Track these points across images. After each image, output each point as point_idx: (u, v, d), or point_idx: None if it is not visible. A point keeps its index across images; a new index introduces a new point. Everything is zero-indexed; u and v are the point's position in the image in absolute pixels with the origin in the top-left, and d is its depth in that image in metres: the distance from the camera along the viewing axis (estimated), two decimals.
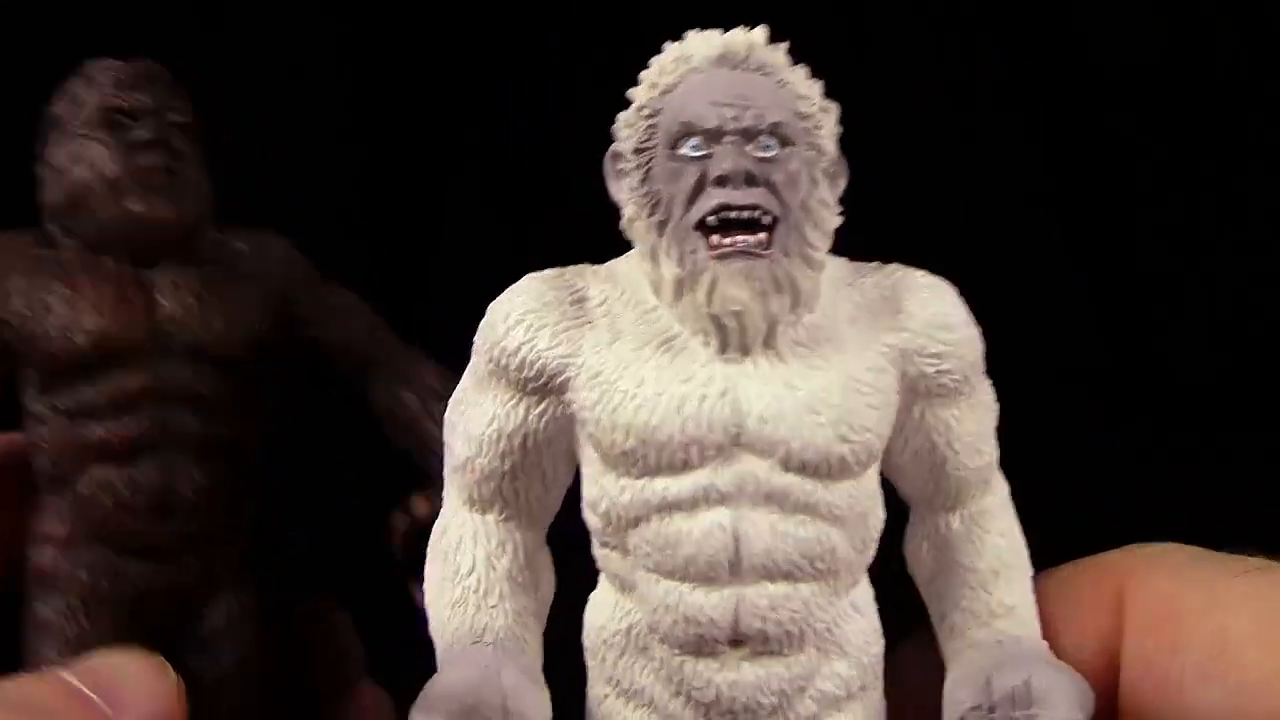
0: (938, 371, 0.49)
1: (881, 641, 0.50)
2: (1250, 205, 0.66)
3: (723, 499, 0.47)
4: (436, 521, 0.51)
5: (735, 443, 0.47)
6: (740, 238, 0.46)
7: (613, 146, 0.49)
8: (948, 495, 0.51)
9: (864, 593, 0.49)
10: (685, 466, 0.47)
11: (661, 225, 0.47)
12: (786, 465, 0.47)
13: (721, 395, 0.47)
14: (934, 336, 0.49)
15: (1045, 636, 0.50)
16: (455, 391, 0.50)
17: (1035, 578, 0.51)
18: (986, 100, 0.66)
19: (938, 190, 0.65)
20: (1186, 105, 0.66)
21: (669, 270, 0.47)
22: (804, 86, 0.48)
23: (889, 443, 0.49)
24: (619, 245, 0.50)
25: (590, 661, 0.49)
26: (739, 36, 0.48)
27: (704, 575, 0.47)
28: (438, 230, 0.67)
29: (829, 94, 0.49)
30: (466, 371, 0.50)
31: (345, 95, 0.65)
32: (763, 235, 0.46)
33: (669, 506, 0.47)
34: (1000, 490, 0.52)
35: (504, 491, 0.49)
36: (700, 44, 0.48)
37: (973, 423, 0.50)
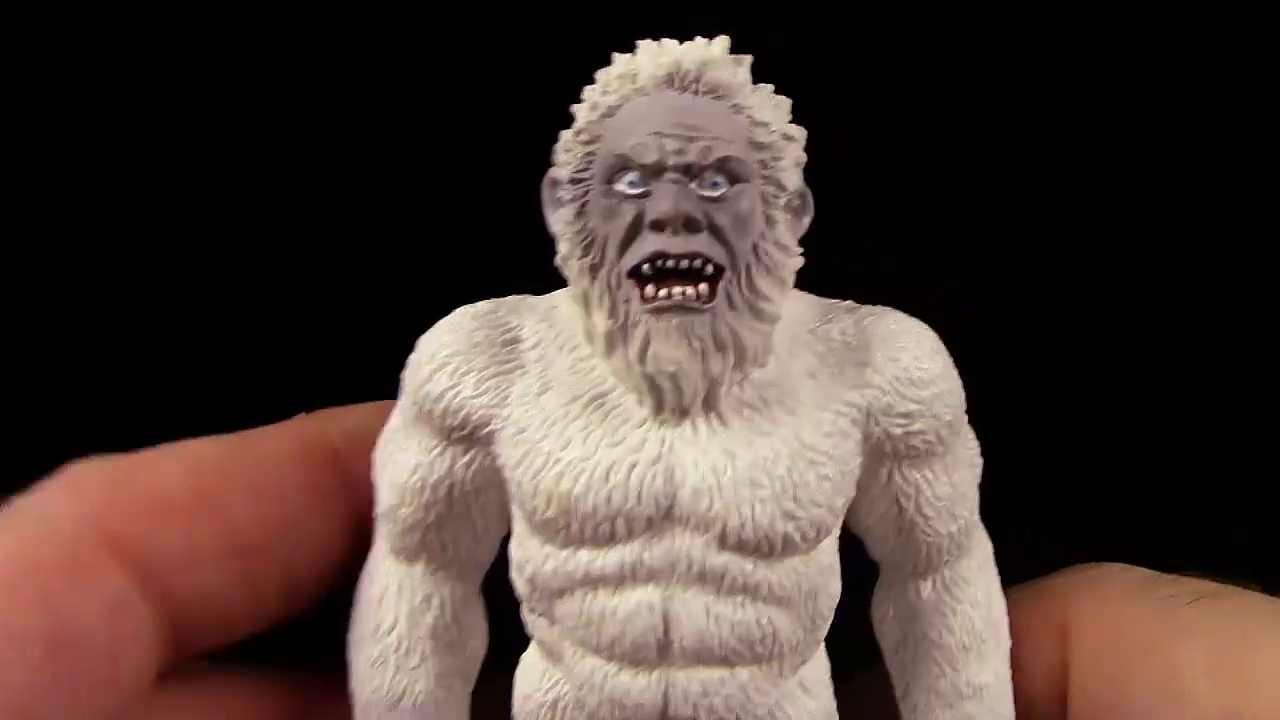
0: (906, 433, 0.44)
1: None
2: (1250, 205, 0.62)
3: (651, 576, 0.42)
4: (365, 565, 0.47)
5: (667, 516, 0.42)
6: (677, 289, 0.41)
7: (550, 171, 0.44)
8: (917, 562, 0.46)
9: (815, 670, 0.45)
10: (611, 540, 0.42)
11: (594, 269, 0.42)
12: (723, 543, 0.42)
13: (654, 463, 0.42)
14: (903, 394, 0.43)
15: None
16: (385, 429, 0.46)
17: None
18: (983, 103, 0.61)
19: (932, 200, 0.61)
20: (1188, 103, 0.61)
21: (600, 321, 0.42)
22: (763, 111, 0.42)
23: (855, 503, 0.44)
24: None
25: None
26: (691, 52, 0.42)
27: (630, 657, 0.42)
28: (438, 229, 0.64)
29: (807, 108, 0.43)
30: (395, 409, 0.46)
31: (346, 92, 0.62)
32: (704, 286, 0.41)
33: (593, 581, 0.42)
34: (978, 552, 0.46)
35: (429, 543, 0.45)
36: (647, 60, 0.42)
37: (947, 485, 0.45)
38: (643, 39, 0.43)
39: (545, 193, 0.44)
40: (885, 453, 0.44)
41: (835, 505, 0.43)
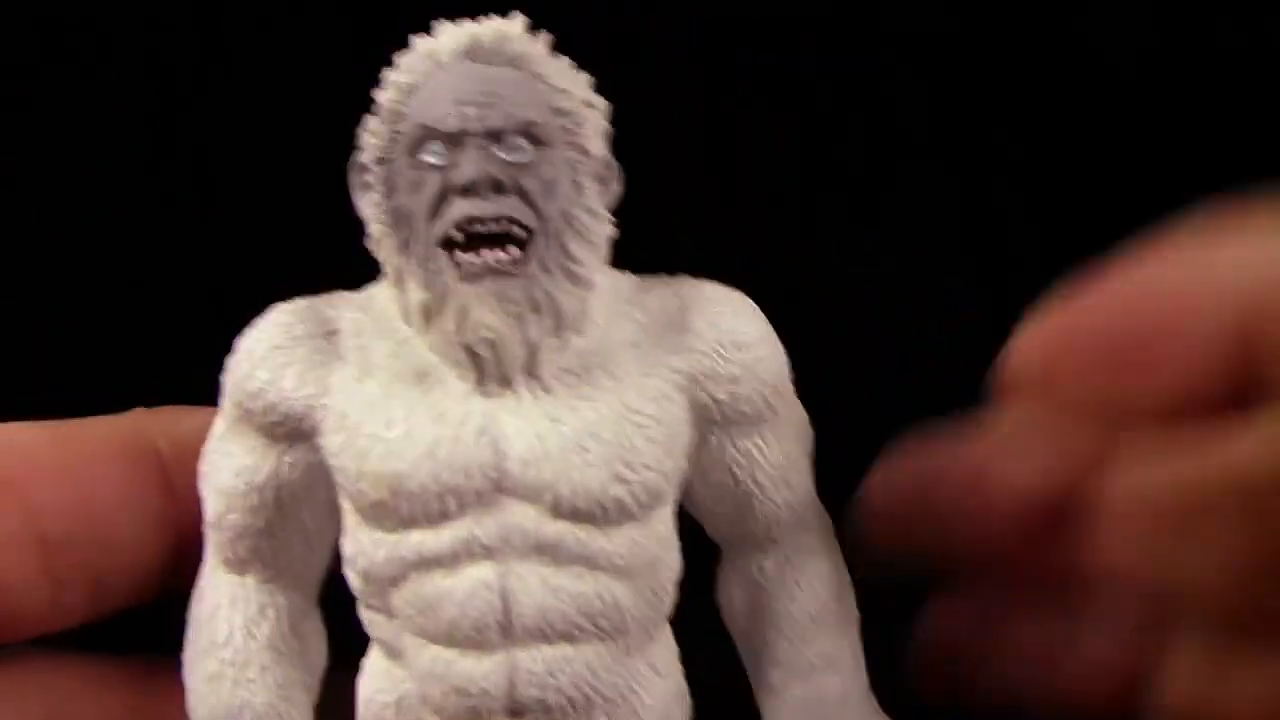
0: (732, 396, 0.43)
1: (687, 704, 0.44)
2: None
3: (487, 553, 0.41)
4: (197, 582, 0.45)
5: (497, 489, 0.41)
6: (489, 254, 0.41)
7: (354, 155, 0.43)
8: (757, 535, 0.45)
9: (664, 651, 0.44)
10: (443, 518, 0.41)
11: (406, 245, 0.42)
12: (556, 512, 0.41)
13: (479, 435, 0.41)
14: (726, 356, 0.43)
15: None
16: (209, 437, 0.45)
17: None
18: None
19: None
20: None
21: (415, 295, 0.42)
22: (563, 79, 0.43)
23: (689, 480, 0.44)
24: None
25: None
26: (488, 26, 0.42)
27: (471, 640, 0.41)
28: None
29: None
30: (218, 416, 0.45)
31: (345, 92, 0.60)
32: (515, 250, 0.41)
33: (427, 563, 0.41)
34: (818, 525, 0.46)
35: (261, 551, 0.44)
36: (447, 37, 0.42)
37: (779, 453, 0.44)
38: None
39: (352, 178, 0.44)
40: (714, 420, 0.43)
41: (666, 468, 0.42)
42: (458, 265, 0.41)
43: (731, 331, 0.43)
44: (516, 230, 0.41)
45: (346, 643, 0.45)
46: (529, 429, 0.41)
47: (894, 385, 0.58)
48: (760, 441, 0.44)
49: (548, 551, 0.41)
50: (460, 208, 0.41)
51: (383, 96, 0.43)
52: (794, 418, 0.45)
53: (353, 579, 0.43)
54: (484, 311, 0.41)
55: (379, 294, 0.44)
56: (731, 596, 0.46)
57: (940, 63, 0.62)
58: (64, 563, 0.45)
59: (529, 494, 0.41)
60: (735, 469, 0.44)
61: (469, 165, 0.41)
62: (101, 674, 0.47)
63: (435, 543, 0.41)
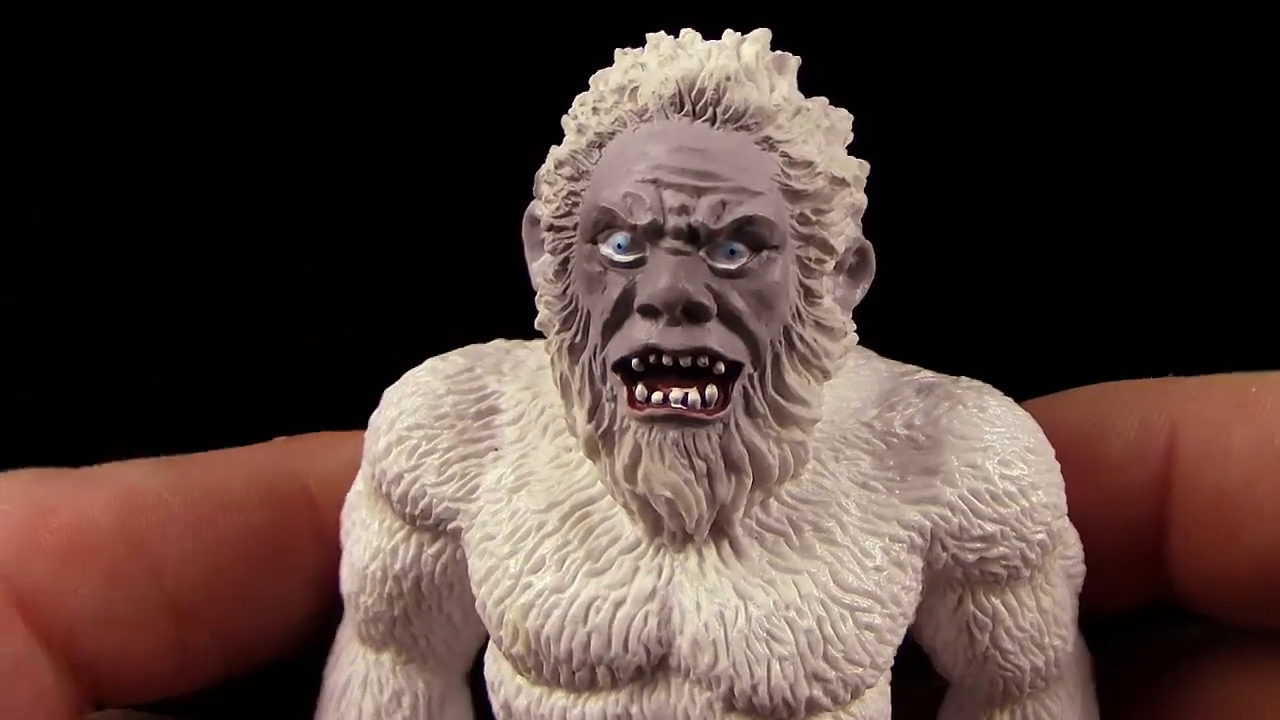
0: (982, 559, 0.34)
1: None
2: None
3: None
4: (335, 639, 0.40)
5: (660, 666, 0.33)
6: (676, 393, 0.31)
7: (530, 206, 0.34)
8: (994, 694, 0.37)
9: None
10: (592, 688, 0.34)
11: (574, 351, 0.33)
12: (730, 705, 0.33)
13: (646, 600, 0.33)
14: (980, 513, 0.34)
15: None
16: (350, 491, 0.38)
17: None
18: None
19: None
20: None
21: (580, 420, 0.33)
22: (806, 147, 0.32)
23: (918, 621, 0.35)
24: None
25: None
26: (712, 62, 0.31)
27: None
28: (439, 244, 0.59)
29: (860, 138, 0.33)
30: (360, 471, 0.38)
31: (345, 104, 0.57)
32: (711, 390, 0.31)
33: None
34: (1071, 678, 0.37)
35: (399, 635, 0.38)
36: (654, 70, 0.32)
37: (1034, 613, 0.35)
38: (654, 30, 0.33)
39: (526, 231, 0.34)
40: (954, 579, 0.34)
41: (880, 659, 0.33)
42: (634, 402, 0.32)
43: (994, 479, 0.34)
44: (715, 366, 0.31)
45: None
46: (709, 603, 0.33)
47: None
48: (1013, 600, 0.35)
49: None
50: (644, 331, 0.31)
51: (565, 140, 0.33)
52: (1063, 561, 0.36)
53: (494, 700, 0.36)
54: (661, 466, 0.32)
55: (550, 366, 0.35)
56: None
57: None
58: (197, 629, 0.39)
59: (700, 679, 0.33)
60: (974, 629, 0.35)
61: (660, 277, 0.31)
62: None
63: (581, 712, 0.34)
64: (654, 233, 0.31)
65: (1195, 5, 0.55)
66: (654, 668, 0.33)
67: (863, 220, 0.33)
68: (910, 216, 0.48)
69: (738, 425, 0.32)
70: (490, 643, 0.36)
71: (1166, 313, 0.58)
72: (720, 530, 0.33)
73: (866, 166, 0.33)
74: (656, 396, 0.31)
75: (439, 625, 0.38)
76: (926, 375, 0.36)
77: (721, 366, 0.31)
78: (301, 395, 0.52)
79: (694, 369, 0.31)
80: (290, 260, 0.56)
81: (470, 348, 0.37)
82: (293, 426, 0.42)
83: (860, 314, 0.34)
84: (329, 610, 0.40)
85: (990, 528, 0.34)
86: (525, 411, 0.35)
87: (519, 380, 0.36)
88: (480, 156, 0.55)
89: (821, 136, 0.32)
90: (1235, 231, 0.56)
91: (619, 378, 0.32)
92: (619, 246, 0.31)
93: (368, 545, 0.37)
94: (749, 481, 0.32)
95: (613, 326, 0.32)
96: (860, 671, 0.33)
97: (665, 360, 0.31)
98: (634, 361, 0.31)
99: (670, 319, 0.31)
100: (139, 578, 0.38)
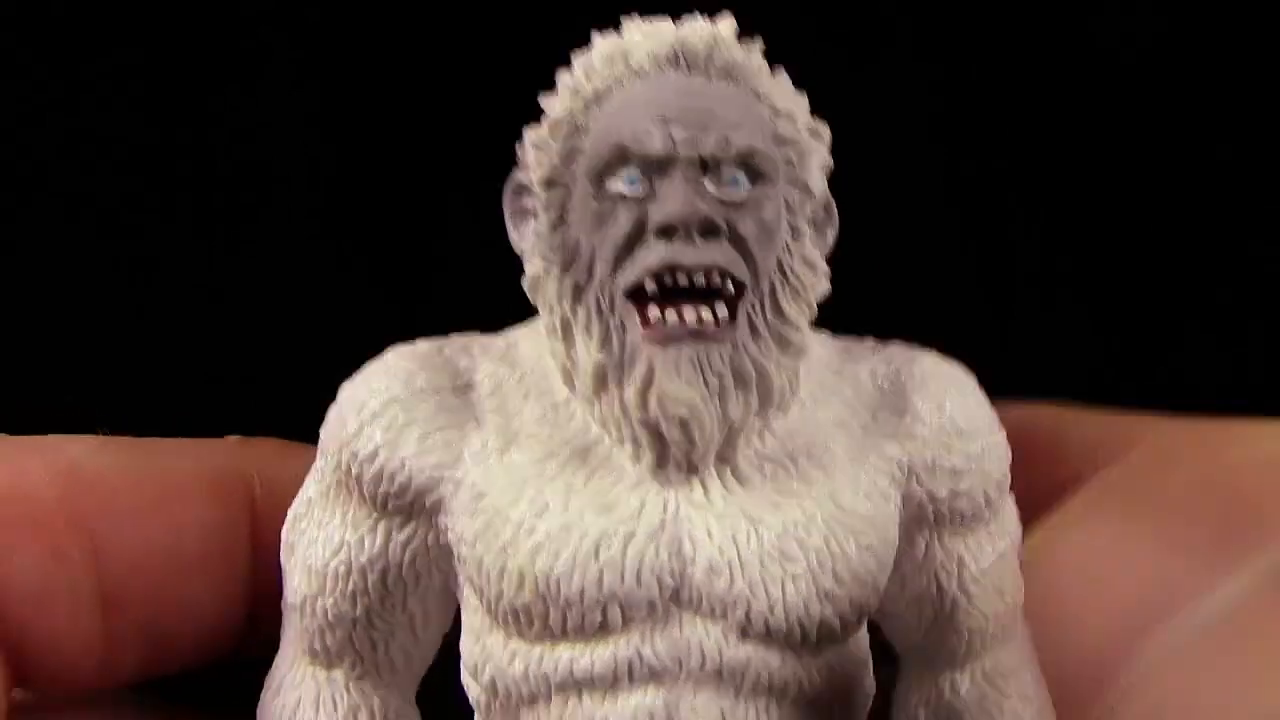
0: (952, 493, 0.36)
1: None
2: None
3: (654, 677, 0.33)
4: (271, 669, 0.38)
5: (673, 599, 0.33)
6: (690, 312, 0.33)
7: (513, 175, 0.36)
8: (955, 650, 0.37)
9: None
10: (602, 631, 0.33)
11: (578, 290, 0.34)
12: (745, 632, 0.33)
13: (657, 532, 0.33)
14: (951, 446, 0.36)
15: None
16: (295, 502, 0.37)
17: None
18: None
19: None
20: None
21: (587, 354, 0.34)
22: (786, 100, 0.35)
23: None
24: None
25: None
26: (699, 29, 0.34)
27: None
28: (437, 241, 0.60)
29: (819, 111, 0.36)
30: (309, 476, 0.37)
31: (347, 92, 0.59)
32: (723, 308, 0.33)
33: (577, 685, 0.33)
34: (1021, 634, 0.38)
35: (356, 643, 0.36)
36: (644, 38, 0.34)
37: (992, 556, 0.37)
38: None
39: (508, 202, 0.36)
40: (925, 518, 0.36)
41: (879, 581, 0.35)
42: (649, 323, 0.33)
43: (958, 416, 0.36)
44: (726, 284, 0.33)
45: None
46: (720, 528, 0.33)
47: None
48: (974, 543, 0.36)
49: (729, 679, 0.33)
50: (659, 252, 0.33)
51: (556, 104, 0.35)
52: (1009, 517, 0.38)
53: (473, 689, 0.35)
54: (678, 383, 0.33)
55: (524, 343, 0.36)
56: (915, 718, 0.38)
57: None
58: (124, 621, 0.37)
59: (714, 608, 0.33)
60: (941, 575, 0.36)
61: (675, 199, 0.33)
62: None
63: (589, 660, 0.33)
64: (666, 163, 0.33)
65: (1195, 5, 0.58)
66: (666, 602, 0.33)
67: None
68: (910, 216, 0.47)
69: (745, 345, 0.34)
70: (469, 625, 0.35)
71: (1167, 312, 0.59)
72: (724, 460, 0.34)
73: (828, 130, 0.36)
74: (672, 316, 0.33)
75: (400, 628, 0.36)
76: (872, 341, 0.38)
77: (731, 285, 0.33)
78: (301, 395, 0.51)
79: (705, 290, 0.33)
80: (290, 260, 0.56)
81: (433, 337, 0.37)
82: (292, 427, 0.41)
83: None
84: (251, 619, 0.39)
85: (959, 461, 0.36)
86: (502, 383, 0.36)
87: (489, 357, 0.36)
88: (480, 156, 0.56)
89: (795, 97, 0.35)
90: (1235, 231, 0.59)
91: (631, 305, 0.33)
92: (630, 181, 0.33)
93: (327, 542, 0.36)
94: (755, 402, 0.34)
95: (622, 256, 0.33)
96: (865, 593, 0.34)
97: (680, 280, 0.33)
98: (649, 283, 0.33)
99: (686, 236, 0.33)
100: (77, 558, 0.36)
